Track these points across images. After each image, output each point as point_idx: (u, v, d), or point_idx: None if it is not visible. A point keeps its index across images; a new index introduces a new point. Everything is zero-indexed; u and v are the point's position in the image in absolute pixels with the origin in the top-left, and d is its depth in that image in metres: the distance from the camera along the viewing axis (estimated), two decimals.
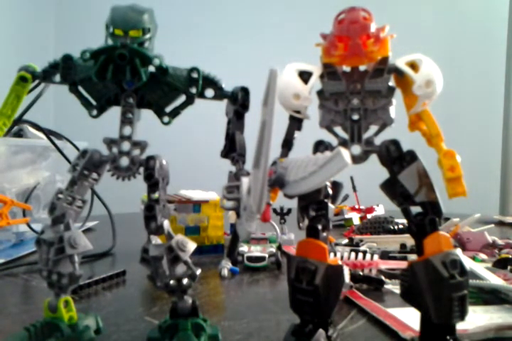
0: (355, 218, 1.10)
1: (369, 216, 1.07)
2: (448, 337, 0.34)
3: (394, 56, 0.38)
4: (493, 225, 1.03)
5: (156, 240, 0.39)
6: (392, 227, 0.93)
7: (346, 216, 1.10)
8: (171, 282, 0.38)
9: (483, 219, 1.07)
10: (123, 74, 0.38)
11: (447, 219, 0.92)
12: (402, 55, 0.38)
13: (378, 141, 0.38)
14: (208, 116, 1.02)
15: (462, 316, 0.34)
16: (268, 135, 0.28)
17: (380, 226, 0.94)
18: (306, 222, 0.37)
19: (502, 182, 1.89)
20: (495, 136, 1.93)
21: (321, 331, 0.36)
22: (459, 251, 0.34)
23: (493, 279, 0.55)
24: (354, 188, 1.16)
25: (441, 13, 2.02)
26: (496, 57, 1.94)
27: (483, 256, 0.70)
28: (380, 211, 1.12)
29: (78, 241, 0.37)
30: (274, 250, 0.71)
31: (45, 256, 0.37)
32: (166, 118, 0.40)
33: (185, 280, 0.38)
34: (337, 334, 0.38)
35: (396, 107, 0.38)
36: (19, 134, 0.90)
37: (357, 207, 1.15)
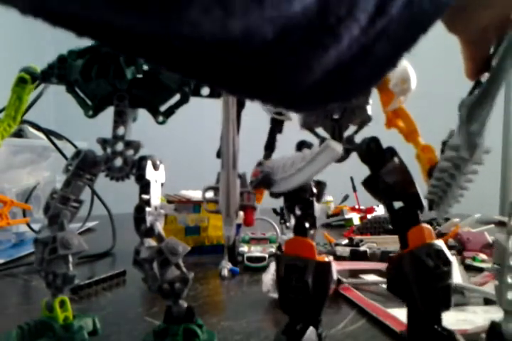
0: (355, 218, 1.09)
1: (369, 216, 1.07)
2: (436, 326, 0.34)
3: None
4: (493, 225, 1.03)
5: (149, 242, 0.38)
6: (392, 227, 0.93)
7: (346, 216, 1.10)
8: (164, 286, 0.37)
9: (484, 219, 1.07)
10: (108, 73, 0.38)
11: (447, 219, 0.92)
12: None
13: (357, 139, 0.39)
14: (209, 115, 1.02)
15: (447, 305, 0.34)
16: (228, 133, 0.28)
17: (380, 227, 0.94)
18: (293, 221, 0.38)
19: (502, 182, 1.89)
20: (495, 136, 1.93)
21: (311, 329, 0.36)
22: (441, 242, 0.35)
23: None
24: (354, 188, 1.16)
25: None
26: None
27: (483, 256, 0.70)
28: (380, 211, 1.12)
29: (71, 241, 0.37)
30: (274, 250, 0.71)
31: (40, 255, 0.37)
32: (160, 118, 0.40)
33: (177, 284, 0.37)
34: (326, 333, 0.38)
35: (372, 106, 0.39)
36: (19, 134, 0.90)
37: (357, 207, 1.15)
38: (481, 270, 0.62)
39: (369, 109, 0.38)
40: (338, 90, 0.20)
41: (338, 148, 0.29)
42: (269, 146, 0.41)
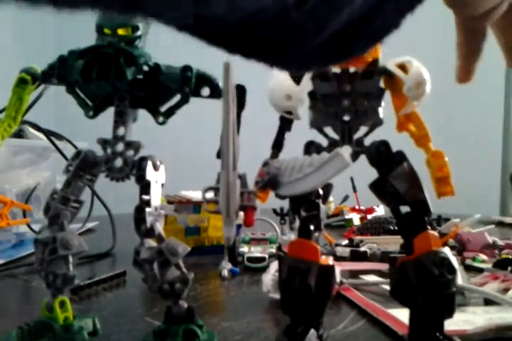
0: (356, 219, 1.09)
1: (369, 216, 1.07)
2: (438, 334, 0.34)
3: (390, 56, 0.38)
4: (493, 226, 1.03)
5: (149, 242, 0.38)
6: (392, 228, 0.93)
7: (346, 216, 1.10)
8: (164, 286, 0.37)
9: (484, 220, 1.07)
10: (109, 74, 0.38)
11: (447, 219, 0.92)
12: (399, 55, 0.38)
13: (366, 141, 0.38)
14: (209, 116, 1.02)
15: (451, 313, 0.34)
16: (228, 133, 0.28)
17: (380, 227, 0.94)
18: (298, 222, 0.37)
19: (502, 182, 1.89)
20: (495, 136, 1.92)
21: (312, 331, 0.36)
22: (447, 250, 0.35)
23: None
24: (354, 189, 1.16)
25: (439, 13, 2.02)
26: (496, 57, 1.94)
27: (483, 256, 0.70)
28: (380, 211, 1.12)
29: (71, 242, 0.37)
30: (274, 251, 0.71)
31: (40, 256, 0.37)
32: (160, 118, 0.40)
33: (177, 285, 0.37)
34: (327, 334, 0.38)
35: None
36: (19, 135, 0.90)
37: (357, 207, 1.15)
38: (481, 270, 0.62)
39: (381, 112, 0.38)
40: (340, 50, 0.20)
41: (348, 158, 0.29)
42: (277, 145, 0.40)
